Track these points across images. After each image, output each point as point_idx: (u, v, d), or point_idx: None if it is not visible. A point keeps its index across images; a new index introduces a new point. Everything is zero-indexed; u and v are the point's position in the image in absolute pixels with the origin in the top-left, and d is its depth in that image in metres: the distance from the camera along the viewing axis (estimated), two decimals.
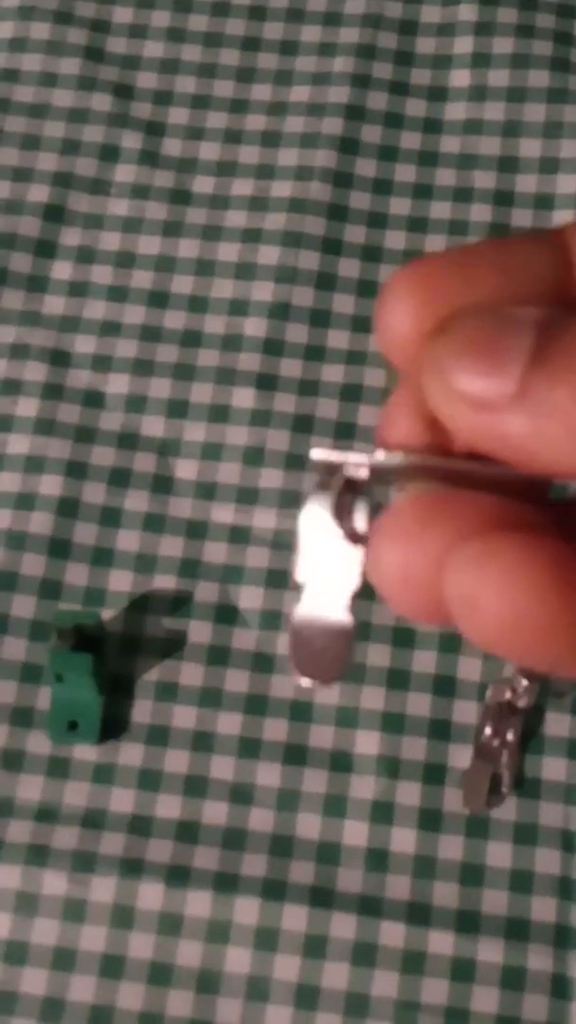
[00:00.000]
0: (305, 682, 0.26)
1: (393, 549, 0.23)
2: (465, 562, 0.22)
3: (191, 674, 0.59)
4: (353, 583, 0.26)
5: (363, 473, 0.25)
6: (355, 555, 0.26)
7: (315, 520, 0.26)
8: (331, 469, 0.25)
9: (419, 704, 0.58)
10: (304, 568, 0.26)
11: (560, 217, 0.66)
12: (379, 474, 0.25)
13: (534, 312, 0.23)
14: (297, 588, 0.26)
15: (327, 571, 0.26)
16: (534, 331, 0.22)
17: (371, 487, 0.26)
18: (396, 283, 0.25)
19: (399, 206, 0.67)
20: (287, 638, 0.27)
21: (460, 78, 0.70)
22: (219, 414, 0.63)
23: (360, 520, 0.26)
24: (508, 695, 0.57)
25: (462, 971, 0.54)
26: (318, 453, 0.25)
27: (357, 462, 0.25)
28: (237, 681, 0.59)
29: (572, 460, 0.22)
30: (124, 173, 0.68)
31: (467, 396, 0.22)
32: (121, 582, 0.61)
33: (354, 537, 0.26)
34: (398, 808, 0.57)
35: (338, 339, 0.65)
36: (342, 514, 0.26)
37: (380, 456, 0.25)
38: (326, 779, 0.57)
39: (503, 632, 0.22)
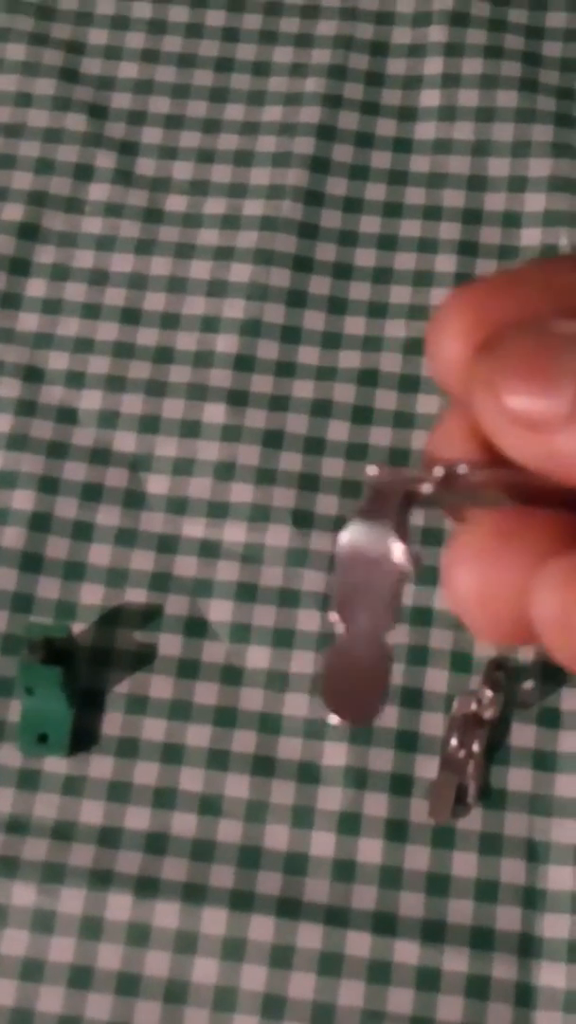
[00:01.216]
0: (337, 720, 0.25)
1: (470, 570, 0.23)
2: (552, 582, 0.22)
3: (161, 687, 0.60)
4: (390, 616, 0.25)
5: (426, 489, 0.24)
6: (395, 582, 0.25)
7: (355, 546, 0.25)
8: (387, 488, 0.24)
9: (386, 716, 0.59)
10: (340, 601, 0.25)
11: (528, 235, 0.67)
12: (442, 492, 0.24)
13: None
14: (333, 623, 0.25)
15: (364, 604, 0.25)
16: None
17: (431, 505, 0.25)
18: (446, 307, 0.24)
19: (369, 224, 0.68)
20: (321, 675, 0.25)
21: (430, 98, 0.71)
22: (190, 429, 0.64)
23: (405, 544, 0.25)
24: (474, 707, 0.58)
25: (427, 980, 0.55)
26: (374, 470, 0.24)
27: (420, 478, 0.24)
28: (206, 693, 0.59)
29: None
30: (98, 192, 0.69)
31: (519, 416, 0.22)
32: (92, 595, 0.61)
33: (414, 556, 0.24)
34: (365, 819, 0.57)
35: (308, 355, 0.65)
36: (403, 533, 0.24)
37: (459, 469, 0.24)
38: (294, 790, 0.58)
39: None
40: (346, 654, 0.25)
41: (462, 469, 0.24)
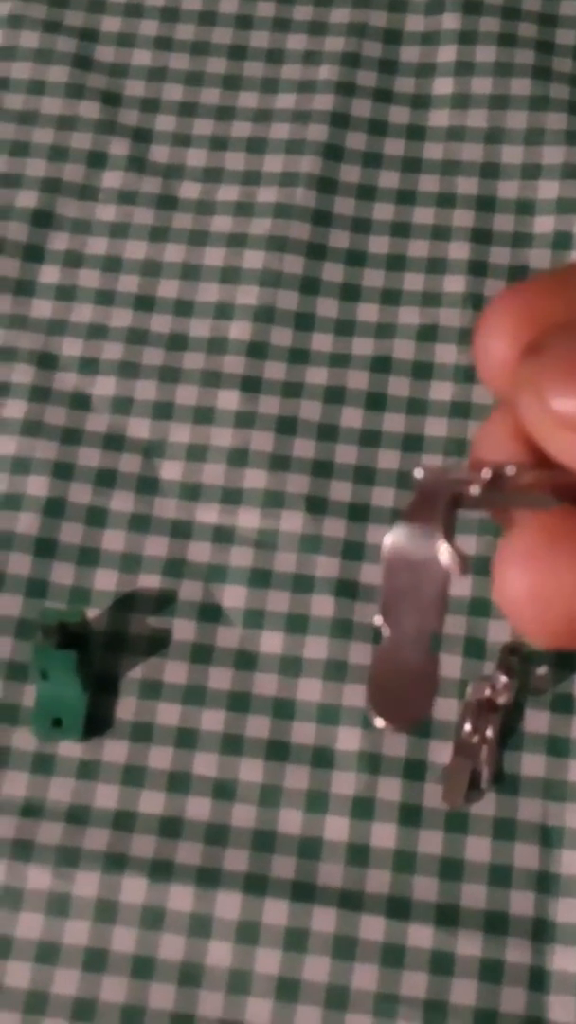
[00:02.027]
0: (382, 724, 0.25)
1: (521, 571, 0.23)
2: None
3: (175, 672, 0.60)
4: (437, 620, 0.24)
5: (474, 491, 0.24)
6: (442, 586, 0.24)
7: (401, 548, 0.24)
8: (434, 490, 0.24)
9: None
10: (387, 604, 0.25)
11: (541, 223, 0.67)
12: (489, 493, 0.24)
13: None
14: (380, 626, 0.25)
15: (410, 607, 0.24)
16: None
17: (478, 506, 0.24)
18: (494, 308, 0.24)
19: (383, 211, 0.68)
20: (368, 679, 0.26)
21: (443, 86, 0.71)
22: (204, 416, 0.64)
23: (452, 545, 0.24)
24: (488, 692, 0.58)
25: (441, 964, 0.55)
26: (421, 472, 0.24)
27: (468, 480, 0.24)
28: (220, 679, 0.60)
29: None
30: (112, 179, 0.69)
31: (563, 418, 0.22)
32: (106, 581, 0.61)
33: (462, 558, 0.24)
34: (379, 803, 0.57)
35: (322, 342, 0.66)
36: (449, 534, 0.24)
37: (507, 470, 0.23)
38: (308, 775, 0.58)
39: None
40: (393, 657, 0.25)
41: (509, 470, 0.24)
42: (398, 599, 0.24)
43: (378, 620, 0.25)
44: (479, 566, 0.61)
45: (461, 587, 0.60)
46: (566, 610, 0.23)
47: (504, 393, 0.24)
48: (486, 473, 0.24)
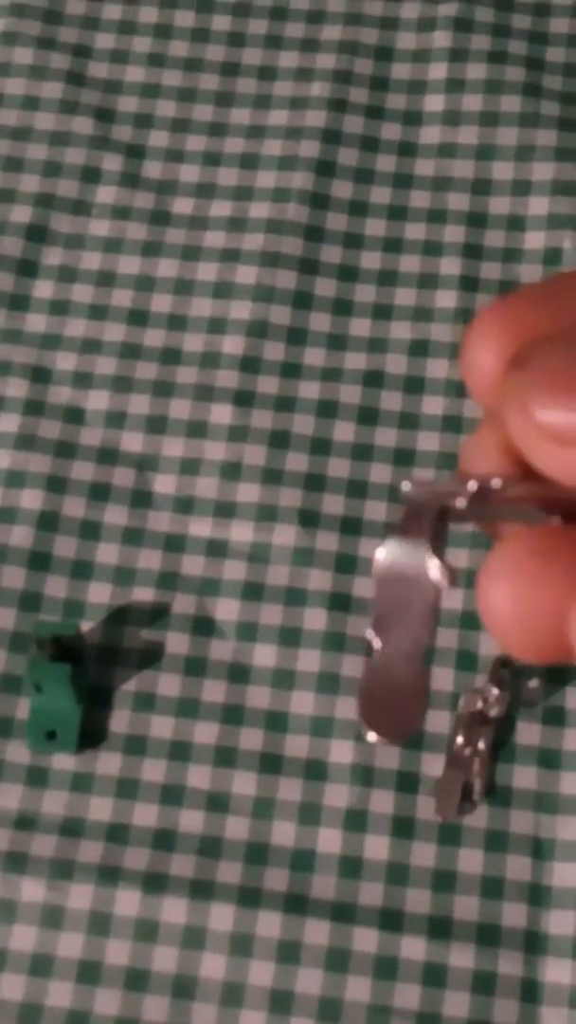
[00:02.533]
0: (374, 738, 0.25)
1: (506, 590, 0.23)
2: None
3: (168, 685, 0.60)
4: (428, 634, 0.24)
5: (460, 504, 0.24)
6: (432, 600, 0.24)
7: (392, 564, 0.24)
8: (422, 504, 0.24)
9: None
10: (378, 619, 0.25)
11: (532, 238, 0.68)
12: (476, 506, 0.24)
13: None
14: (371, 640, 0.25)
15: (401, 621, 0.24)
16: None
17: (466, 519, 0.24)
18: (481, 320, 0.24)
19: (374, 227, 0.69)
20: (358, 693, 0.26)
21: (434, 103, 0.71)
22: (197, 430, 0.65)
23: (440, 559, 0.24)
24: (480, 705, 0.58)
25: (434, 976, 0.55)
26: (408, 486, 0.24)
27: (454, 493, 0.24)
28: (214, 691, 0.60)
29: None
30: (105, 194, 0.70)
31: (549, 430, 0.22)
32: (100, 594, 0.62)
33: (450, 572, 0.24)
34: (371, 816, 0.58)
35: (314, 356, 0.66)
36: (438, 548, 0.24)
37: (493, 483, 0.23)
38: (301, 787, 0.58)
39: None
40: (384, 671, 0.25)
41: (495, 483, 0.24)
42: (390, 613, 0.24)
43: (370, 634, 0.25)
44: (471, 579, 0.61)
45: (453, 600, 0.61)
46: (548, 626, 0.23)
47: (491, 406, 0.25)
48: (472, 486, 0.24)
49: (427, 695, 0.25)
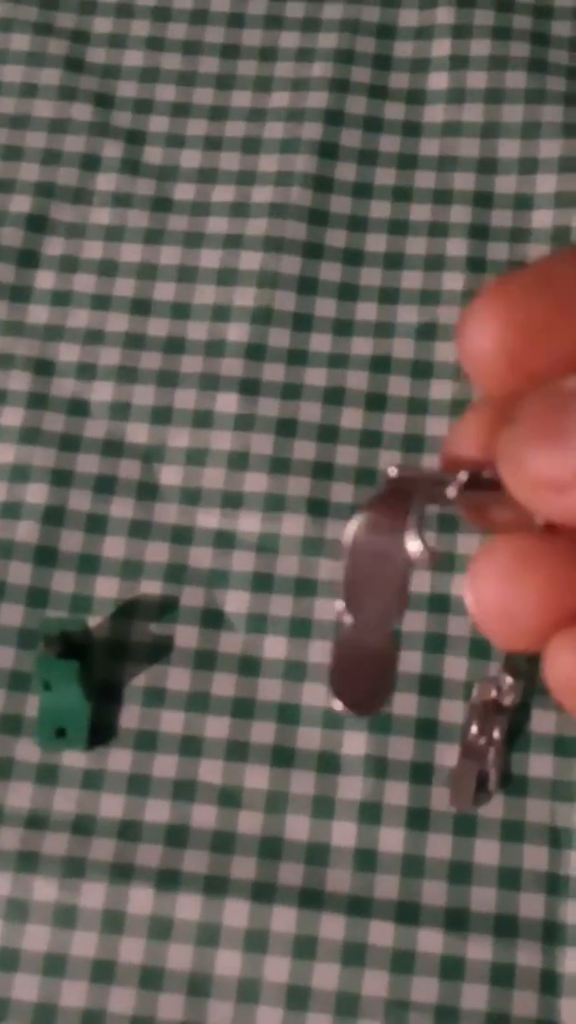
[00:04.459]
0: (343, 709, 0.25)
1: (492, 589, 0.24)
2: (569, 648, 0.24)
3: (178, 679, 0.59)
4: (399, 607, 0.25)
5: (451, 493, 0.24)
6: (404, 574, 0.25)
7: (365, 537, 0.25)
8: (408, 487, 0.24)
9: (406, 704, 0.58)
10: (349, 591, 0.25)
11: (539, 217, 0.67)
12: (464, 494, 0.24)
13: None
14: (341, 612, 0.25)
15: (373, 594, 0.25)
16: None
17: (450, 504, 0.25)
18: (479, 308, 0.24)
19: (380, 209, 0.68)
20: (329, 664, 0.26)
21: (438, 81, 0.70)
22: (203, 419, 0.64)
23: (422, 540, 0.25)
24: (494, 693, 0.58)
25: (451, 969, 0.55)
26: (395, 471, 0.24)
27: (444, 480, 0.24)
28: (224, 685, 0.59)
29: None
30: (105, 182, 0.69)
31: (539, 480, 0.23)
32: (108, 588, 0.61)
33: (431, 554, 0.25)
34: (386, 808, 0.57)
35: (320, 343, 0.65)
36: (419, 526, 0.25)
37: (483, 474, 0.24)
38: (314, 781, 0.58)
39: None
40: (354, 643, 0.25)
41: (486, 473, 0.24)
42: (361, 586, 0.25)
43: (340, 607, 0.25)
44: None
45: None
46: (529, 625, 0.24)
47: (487, 387, 0.25)
48: (463, 476, 0.24)
49: (397, 668, 0.25)
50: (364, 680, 0.25)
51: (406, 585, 0.25)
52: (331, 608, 0.60)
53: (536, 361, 0.24)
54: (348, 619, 0.25)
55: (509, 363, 0.24)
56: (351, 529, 0.25)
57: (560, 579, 0.24)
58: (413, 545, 0.24)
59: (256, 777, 0.58)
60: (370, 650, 0.25)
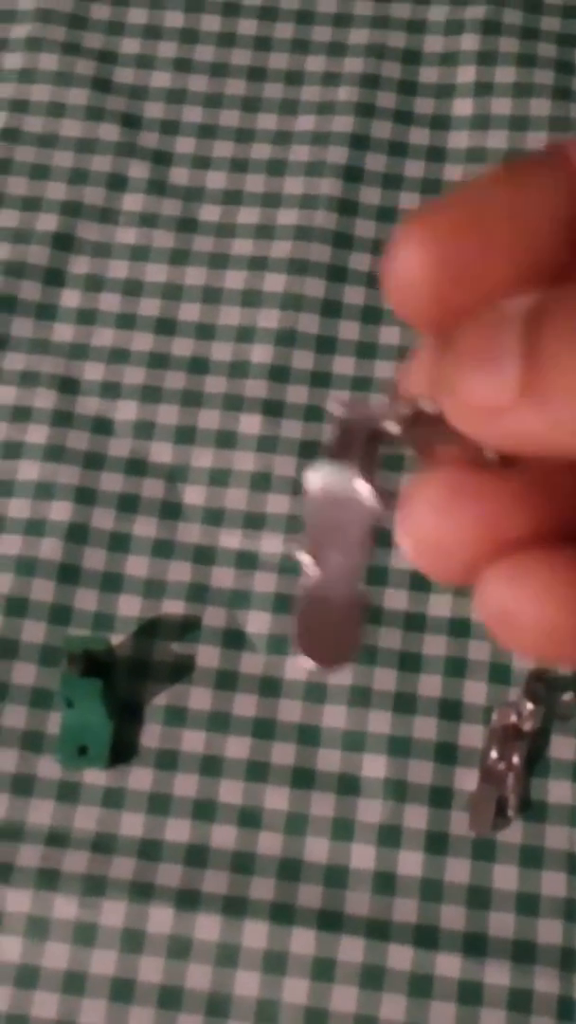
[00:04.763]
0: (311, 665, 0.25)
1: (423, 521, 0.24)
2: (501, 579, 0.23)
3: (199, 698, 0.60)
4: (364, 557, 0.24)
5: (393, 429, 0.24)
6: (367, 522, 0.24)
7: (324, 486, 0.24)
8: (353, 426, 0.24)
9: (425, 728, 0.59)
10: (312, 543, 0.24)
11: None
12: (409, 429, 0.24)
13: (523, 303, 0.23)
14: (304, 564, 0.24)
15: (335, 545, 0.24)
16: (522, 325, 0.22)
17: (399, 442, 0.24)
18: (405, 238, 0.24)
19: None
20: (294, 619, 0.25)
21: (463, 107, 0.70)
22: (226, 440, 0.64)
23: (381, 480, 0.24)
24: (513, 718, 0.58)
25: (469, 994, 0.55)
26: (338, 407, 0.24)
27: (386, 415, 0.24)
28: (245, 705, 0.59)
29: None
30: (132, 202, 0.69)
31: (476, 405, 0.22)
32: (130, 607, 0.61)
33: (383, 495, 0.24)
34: (405, 831, 0.57)
35: (343, 365, 0.65)
36: (370, 471, 0.24)
37: (425, 407, 0.23)
38: (333, 803, 0.58)
39: (537, 642, 0.23)
40: (319, 596, 0.24)
41: (428, 406, 0.23)
42: (324, 536, 0.24)
43: (303, 558, 0.24)
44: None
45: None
46: (463, 558, 0.24)
47: (421, 327, 0.25)
48: (404, 409, 0.23)
49: (363, 620, 0.25)
50: (332, 634, 0.24)
51: (368, 533, 0.24)
52: None
53: (463, 297, 0.24)
54: (313, 570, 0.24)
55: (435, 300, 0.24)
56: (311, 476, 0.24)
57: (494, 512, 0.24)
58: (363, 487, 0.24)
59: (276, 798, 0.58)
60: (336, 603, 0.24)
